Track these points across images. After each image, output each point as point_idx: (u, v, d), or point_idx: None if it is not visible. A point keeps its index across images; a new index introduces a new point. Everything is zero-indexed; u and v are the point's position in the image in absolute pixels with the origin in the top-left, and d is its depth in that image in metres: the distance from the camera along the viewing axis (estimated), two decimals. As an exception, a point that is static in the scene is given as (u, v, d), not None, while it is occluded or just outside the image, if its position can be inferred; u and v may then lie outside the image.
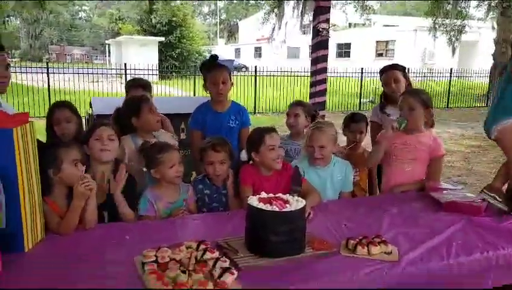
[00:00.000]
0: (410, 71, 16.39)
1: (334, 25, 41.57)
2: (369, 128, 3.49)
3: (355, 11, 18.01)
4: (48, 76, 12.87)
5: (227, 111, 3.21)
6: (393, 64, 3.64)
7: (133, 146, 2.71)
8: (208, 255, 1.66)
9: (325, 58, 4.96)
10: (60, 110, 2.79)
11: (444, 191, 2.55)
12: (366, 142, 3.47)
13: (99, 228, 2.09)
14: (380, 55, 33.76)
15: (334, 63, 20.36)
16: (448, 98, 16.97)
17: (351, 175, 2.86)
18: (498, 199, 2.38)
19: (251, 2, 59.68)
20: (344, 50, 37.19)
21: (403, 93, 3.03)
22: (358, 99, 15.65)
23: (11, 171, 1.75)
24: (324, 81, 5.07)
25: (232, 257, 1.73)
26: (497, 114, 2.30)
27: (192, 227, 2.15)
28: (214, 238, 1.89)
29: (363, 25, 35.05)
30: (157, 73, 18.36)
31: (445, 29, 22.86)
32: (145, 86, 3.41)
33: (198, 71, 4.12)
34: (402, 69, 3.52)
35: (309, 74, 4.98)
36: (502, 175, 2.48)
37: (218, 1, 58.96)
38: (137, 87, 3.36)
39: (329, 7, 4.92)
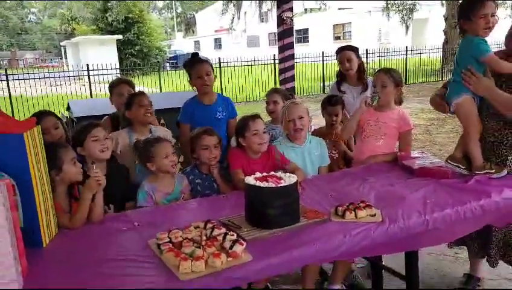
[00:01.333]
0: (368, 52, 16.93)
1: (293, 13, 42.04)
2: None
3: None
4: (7, 83, 12.53)
5: (214, 104, 3.39)
6: (346, 45, 3.96)
7: (127, 140, 2.88)
8: (216, 231, 1.86)
9: (291, 46, 5.19)
10: (46, 119, 2.83)
11: (415, 160, 2.82)
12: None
13: (106, 219, 2.24)
14: (338, 38, 34.42)
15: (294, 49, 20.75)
16: (405, 75, 17.60)
17: (326, 150, 3.10)
18: (461, 166, 2.66)
19: (206, -7, 59.23)
20: (302, 36, 37.60)
21: (377, 71, 3.29)
22: (321, 83, 16.05)
23: (25, 174, 1.86)
24: (292, 67, 5.30)
25: (237, 231, 1.92)
26: (451, 91, 2.61)
27: (193, 211, 2.33)
28: (216, 218, 2.08)
29: (319, 9, 35.56)
30: (119, 72, 18.12)
31: (397, 9, 23.65)
32: (130, 83, 3.58)
33: (162, 68, 4.23)
34: (354, 49, 3.84)
35: (271, 62, 5.21)
36: (461, 145, 2.75)
37: (172, -6, 58.15)
38: (122, 84, 3.50)
39: (292, -4, 5.13)
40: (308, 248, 1.81)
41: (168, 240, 1.82)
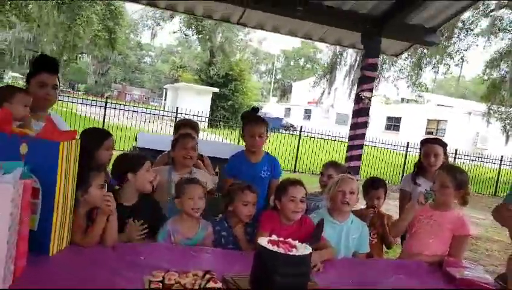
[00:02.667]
0: (458, 152, 16.13)
1: (387, 98, 41.96)
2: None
3: (407, 86, 18.18)
4: (105, 110, 13.75)
5: (261, 162, 3.37)
6: (436, 138, 3.71)
7: (166, 176, 2.93)
8: (211, 284, 1.76)
9: (364, 125, 5.06)
10: (110, 138, 2.95)
11: (461, 269, 2.51)
12: (394, 210, 3.49)
13: (118, 246, 2.24)
14: (430, 133, 33.35)
15: (382, 135, 20.38)
16: (496, 186, 16.36)
17: (367, 237, 2.88)
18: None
19: (307, 66, 61.63)
20: (394, 123, 37.13)
21: (440, 167, 3.08)
22: (401, 173, 15.44)
23: (52, 181, 1.95)
24: (361, 147, 5.14)
25: (234, 291, 1.80)
26: None
27: (204, 258, 2.25)
28: (222, 272, 1.98)
29: (416, 101, 35.09)
30: (207, 121, 19.06)
31: (500, 116, 22.43)
32: (194, 126, 3.64)
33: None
34: (443, 144, 3.58)
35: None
36: None
37: (276, 62, 61.27)
38: (186, 126, 3.60)
39: (374, 78, 5.09)
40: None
41: (161, 279, 1.76)
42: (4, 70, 41.88)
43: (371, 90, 5.08)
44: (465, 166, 17.13)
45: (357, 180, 4.40)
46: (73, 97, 16.02)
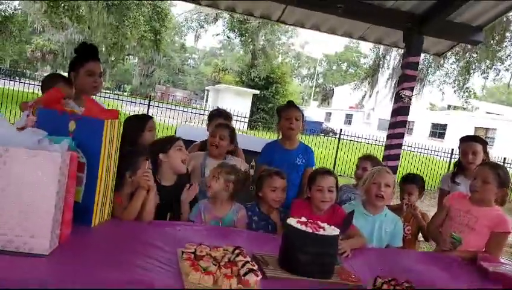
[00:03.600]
0: (505, 161, 15.45)
1: (432, 105, 40.78)
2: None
3: (454, 92, 17.61)
4: (148, 109, 14.18)
5: (295, 149, 3.41)
6: (475, 135, 3.64)
7: (200, 161, 3.04)
8: (240, 257, 1.82)
9: (403, 124, 5.00)
10: (151, 120, 3.13)
11: (496, 264, 2.45)
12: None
13: (154, 222, 2.36)
14: (478, 141, 32.07)
15: (426, 141, 19.82)
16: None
17: (401, 232, 2.87)
18: None
19: (350, 70, 60.90)
20: (439, 131, 35.98)
21: (482, 163, 3.02)
22: (443, 180, 14.96)
23: (96, 156, 2.08)
24: (399, 146, 5.08)
25: (262, 266, 1.86)
26: None
27: (236, 237, 2.32)
28: (252, 251, 2.05)
29: (464, 108, 33.88)
30: (247, 122, 19.22)
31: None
32: (226, 115, 3.76)
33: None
34: (483, 142, 3.50)
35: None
36: None
37: (318, 66, 60.95)
38: (220, 116, 3.71)
39: (415, 77, 5.02)
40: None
41: (193, 251, 1.85)
42: (56, 71, 44.06)
43: (411, 89, 5.02)
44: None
45: (394, 180, 4.38)
46: (118, 97, 16.66)
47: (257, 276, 1.69)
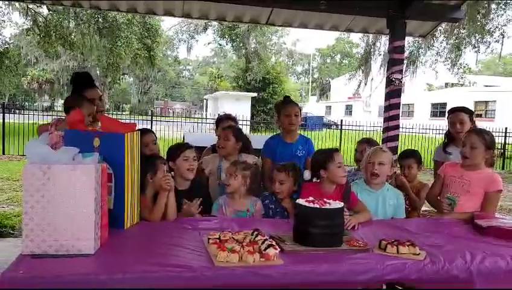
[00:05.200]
0: (507, 130, 15.63)
1: (429, 85, 40.87)
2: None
3: (448, 70, 17.78)
4: (151, 124, 14.47)
5: (296, 142, 3.67)
6: (462, 106, 3.87)
7: (216, 164, 3.30)
8: (259, 237, 2.08)
9: (397, 106, 5.24)
10: (148, 134, 3.38)
11: (490, 220, 2.69)
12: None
13: (179, 219, 2.63)
14: (479, 116, 32.17)
15: (428, 122, 19.98)
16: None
17: (403, 203, 3.11)
18: None
19: (344, 62, 61.07)
20: (439, 110, 36.05)
21: (467, 131, 3.26)
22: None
23: (121, 168, 2.34)
24: (396, 127, 5.31)
25: (279, 243, 2.12)
26: None
27: (254, 224, 2.55)
28: (268, 232, 2.30)
29: (462, 85, 33.99)
30: (249, 125, 19.47)
31: (552, 90, 21.31)
32: (233, 119, 4.04)
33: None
34: (468, 112, 3.74)
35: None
36: None
37: (312, 61, 61.16)
38: (226, 119, 3.98)
39: (403, 59, 5.26)
40: (338, 265, 1.93)
41: (217, 237, 2.10)
42: (54, 99, 44.49)
43: (400, 71, 5.25)
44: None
45: (394, 160, 4.62)
46: (120, 118, 16.97)
47: (276, 249, 1.94)
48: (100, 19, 17.33)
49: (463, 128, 3.60)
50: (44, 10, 16.38)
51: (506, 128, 15.71)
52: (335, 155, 2.87)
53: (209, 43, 37.82)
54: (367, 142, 3.82)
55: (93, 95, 3.33)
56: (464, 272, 1.98)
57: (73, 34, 17.99)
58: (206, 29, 29.02)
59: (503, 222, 2.62)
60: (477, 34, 16.09)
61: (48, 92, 42.52)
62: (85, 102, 2.97)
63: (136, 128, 2.48)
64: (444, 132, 3.99)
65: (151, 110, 18.45)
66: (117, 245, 2.10)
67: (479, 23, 15.09)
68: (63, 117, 3.15)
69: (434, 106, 36.70)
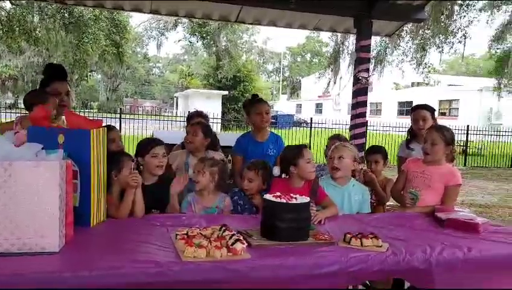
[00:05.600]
0: (471, 128, 16.19)
1: (397, 84, 41.85)
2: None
3: (414, 69, 18.26)
4: (120, 123, 14.23)
5: (266, 141, 3.71)
6: (424, 104, 3.99)
7: (184, 159, 3.30)
8: (227, 232, 2.10)
9: (364, 104, 5.36)
10: (114, 131, 3.33)
11: (449, 213, 2.80)
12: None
13: (146, 217, 2.62)
14: (443, 114, 33.21)
15: (395, 120, 20.46)
16: (512, 158, 16.37)
17: (368, 199, 3.20)
18: None
19: (314, 60, 61.69)
20: (406, 108, 36.93)
21: (428, 128, 3.37)
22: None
23: (87, 165, 2.31)
24: (363, 124, 5.44)
25: (247, 238, 2.14)
26: None
27: (222, 220, 2.57)
28: (237, 227, 2.32)
29: (427, 84, 34.98)
30: (219, 123, 19.43)
31: (511, 89, 22.20)
32: (204, 116, 4.04)
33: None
34: (431, 109, 3.87)
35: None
36: None
37: (282, 60, 61.52)
38: (198, 116, 3.98)
39: (369, 58, 5.38)
40: (304, 258, 1.97)
41: (185, 233, 2.11)
42: (18, 96, 43.05)
43: (367, 70, 5.37)
44: (480, 142, 17.22)
45: (361, 156, 4.71)
46: (88, 115, 16.59)
47: (243, 244, 1.97)
48: (66, 14, 16.89)
49: (425, 125, 3.72)
50: (7, 4, 15.84)
51: (467, 126, 16.26)
52: (304, 151, 2.92)
53: (179, 41, 37.45)
54: (337, 138, 3.89)
55: (60, 88, 3.26)
56: (423, 263, 2.06)
57: (37, 29, 17.47)
58: (176, 26, 28.70)
59: (462, 215, 2.72)
60: (441, 35, 16.58)
61: (11, 89, 41.09)
62: (49, 97, 2.91)
63: (103, 124, 2.45)
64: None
65: (120, 108, 18.07)
66: (83, 243, 2.08)
67: (442, 24, 15.56)
68: (27, 114, 3.08)
69: (401, 104, 37.59)
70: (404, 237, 2.36)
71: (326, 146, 3.90)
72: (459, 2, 15.75)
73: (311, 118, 15.39)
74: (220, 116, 21.89)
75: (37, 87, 3.42)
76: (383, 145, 4.76)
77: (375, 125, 15.25)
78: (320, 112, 43.77)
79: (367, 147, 4.13)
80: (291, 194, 2.28)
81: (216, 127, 16.87)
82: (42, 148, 2.07)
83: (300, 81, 59.29)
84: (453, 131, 3.30)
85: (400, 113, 36.83)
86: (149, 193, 2.77)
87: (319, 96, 44.42)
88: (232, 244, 1.95)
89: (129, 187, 2.59)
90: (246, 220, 2.64)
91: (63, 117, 3.15)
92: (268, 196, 2.27)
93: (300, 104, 50.01)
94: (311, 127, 14.96)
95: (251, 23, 5.83)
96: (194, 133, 3.43)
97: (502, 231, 2.57)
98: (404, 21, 5.71)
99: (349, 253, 2.04)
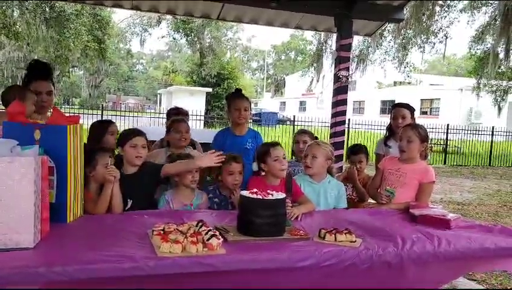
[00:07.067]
0: (451, 127, 16.49)
1: (380, 83, 42.28)
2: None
3: (395, 68, 18.52)
4: (101, 119, 14.11)
5: (245, 135, 3.74)
6: (406, 103, 4.07)
7: (164, 158, 3.31)
8: (203, 228, 2.12)
9: (344, 102, 5.43)
10: (113, 125, 3.40)
11: (422, 209, 2.87)
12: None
13: (124, 213, 2.62)
14: (425, 113, 33.69)
15: (378, 118, 20.72)
16: (490, 157, 16.69)
17: (344, 193, 3.26)
18: None
19: (298, 58, 61.89)
20: (388, 107, 37.35)
21: (404, 126, 3.44)
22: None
23: (63, 161, 2.31)
24: (343, 122, 5.51)
25: (224, 234, 2.17)
26: None
27: (199, 216, 2.59)
28: (213, 223, 2.35)
29: (409, 83, 35.44)
30: (202, 120, 19.38)
31: (490, 89, 22.64)
32: (184, 112, 4.06)
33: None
34: (410, 109, 3.95)
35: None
36: None
37: (267, 57, 61.57)
38: (178, 113, 3.99)
39: (349, 57, 5.45)
40: (279, 253, 2.00)
41: (162, 228, 2.13)
42: (-2, 91, 42.22)
43: (347, 69, 5.44)
44: (460, 140, 17.54)
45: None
46: (69, 111, 16.40)
47: (219, 239, 1.99)
48: (47, 9, 16.63)
49: (404, 123, 3.79)
50: (-15, -2, 15.52)
51: (447, 124, 16.56)
52: (271, 150, 2.97)
53: (162, 37, 37.10)
54: (305, 132, 3.92)
55: (40, 87, 3.23)
56: (395, 258, 2.12)
57: (18, 24, 17.17)
58: (160, 22, 28.53)
59: (434, 211, 2.80)
60: (422, 35, 16.84)
61: (-10, 84, 40.23)
62: (27, 93, 2.89)
63: (81, 121, 2.45)
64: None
65: (102, 105, 17.91)
66: (58, 238, 2.08)
67: (424, 24, 15.80)
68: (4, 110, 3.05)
69: (383, 103, 38.02)
70: (377, 233, 2.42)
71: (296, 142, 3.83)
72: (440, 2, 16.02)
73: (294, 116, 15.45)
74: (203, 113, 21.85)
75: (17, 83, 3.39)
76: (365, 143, 4.84)
77: (358, 123, 15.41)
78: (304, 109, 43.96)
79: (349, 146, 4.18)
80: (268, 191, 2.32)
81: (199, 124, 16.84)
82: (18, 144, 2.06)
83: (284, 79, 59.45)
84: (434, 130, 3.38)
85: (383, 111, 37.23)
86: (128, 182, 2.77)
87: (303, 95, 44.64)
88: (208, 239, 1.97)
89: (106, 182, 2.59)
90: (224, 216, 2.66)
91: (48, 114, 3.15)
92: (244, 193, 2.30)
93: (285, 102, 50.16)
94: (294, 125, 15.03)
95: (232, 21, 5.85)
96: (186, 130, 3.46)
97: (471, 225, 2.65)
98: (383, 21, 5.79)
99: (322, 248, 2.08)
